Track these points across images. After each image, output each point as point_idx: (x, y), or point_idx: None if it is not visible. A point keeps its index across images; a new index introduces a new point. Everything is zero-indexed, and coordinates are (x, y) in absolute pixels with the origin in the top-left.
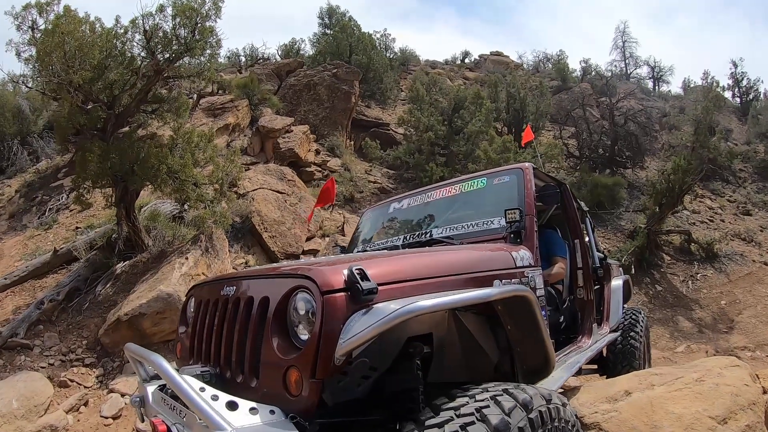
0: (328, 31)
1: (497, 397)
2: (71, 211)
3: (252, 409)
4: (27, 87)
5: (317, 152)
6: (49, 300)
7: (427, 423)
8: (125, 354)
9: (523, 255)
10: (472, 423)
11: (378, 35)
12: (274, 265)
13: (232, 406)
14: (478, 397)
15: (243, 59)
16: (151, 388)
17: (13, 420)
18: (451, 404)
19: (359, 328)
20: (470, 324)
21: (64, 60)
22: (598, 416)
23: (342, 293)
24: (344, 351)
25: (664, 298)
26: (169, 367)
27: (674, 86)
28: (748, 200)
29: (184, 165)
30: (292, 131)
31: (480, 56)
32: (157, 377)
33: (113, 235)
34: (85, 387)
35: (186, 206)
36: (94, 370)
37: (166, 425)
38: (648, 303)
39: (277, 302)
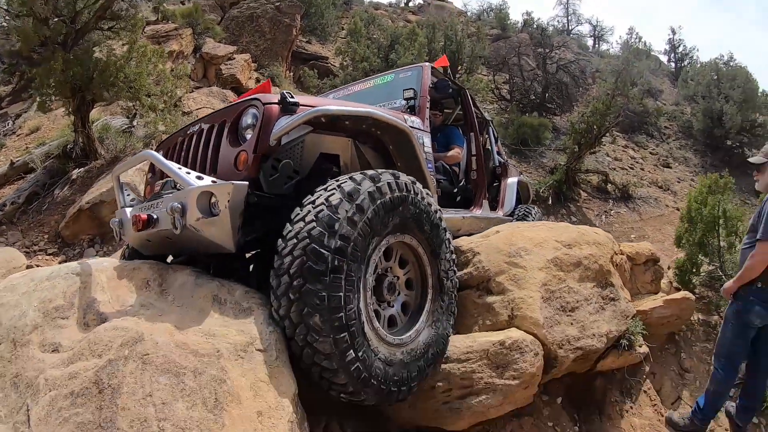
0: None
1: (354, 176)
2: (18, 135)
3: (213, 180)
4: None
5: (258, 81)
6: (10, 203)
7: (304, 201)
8: (111, 178)
9: (414, 120)
10: (333, 193)
11: None
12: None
13: (199, 177)
14: (341, 180)
15: None
16: (128, 210)
17: None
18: (323, 186)
19: (284, 123)
20: (368, 155)
21: None
22: (473, 244)
23: (276, 105)
24: (275, 137)
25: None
26: (156, 153)
27: (614, 47)
28: (669, 155)
29: (139, 73)
30: (234, 59)
31: (424, 1)
32: (132, 204)
33: (68, 145)
34: None
35: (135, 122)
36: (56, 258)
37: (146, 214)
38: None
39: (233, 118)
